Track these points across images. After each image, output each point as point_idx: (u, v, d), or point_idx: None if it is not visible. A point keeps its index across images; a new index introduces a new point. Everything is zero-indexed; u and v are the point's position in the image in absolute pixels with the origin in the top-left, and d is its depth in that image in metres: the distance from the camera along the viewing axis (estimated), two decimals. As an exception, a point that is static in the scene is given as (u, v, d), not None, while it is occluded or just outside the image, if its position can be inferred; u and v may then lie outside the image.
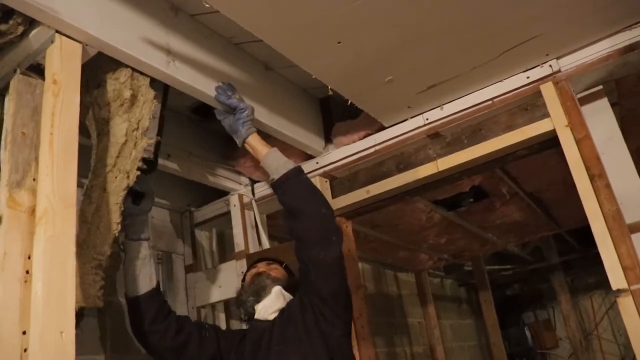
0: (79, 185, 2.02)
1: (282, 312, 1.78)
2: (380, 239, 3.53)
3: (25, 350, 1.24)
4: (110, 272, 1.82)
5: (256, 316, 1.82)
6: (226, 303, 2.59)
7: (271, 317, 1.79)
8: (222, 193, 2.56)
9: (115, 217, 1.66)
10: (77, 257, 1.68)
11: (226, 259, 2.61)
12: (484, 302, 4.63)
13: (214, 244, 2.68)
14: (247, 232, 2.44)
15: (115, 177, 1.65)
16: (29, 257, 1.31)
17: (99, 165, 1.63)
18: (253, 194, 2.47)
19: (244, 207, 2.47)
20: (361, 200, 2.24)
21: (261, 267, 1.92)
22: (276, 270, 1.91)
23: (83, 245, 1.61)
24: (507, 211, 3.52)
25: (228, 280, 2.43)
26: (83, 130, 1.53)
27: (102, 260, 1.66)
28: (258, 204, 2.48)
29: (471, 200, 3.16)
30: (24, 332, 1.28)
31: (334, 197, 2.30)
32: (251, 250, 2.40)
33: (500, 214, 3.58)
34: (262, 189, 2.46)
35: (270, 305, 1.80)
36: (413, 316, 4.50)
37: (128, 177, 1.67)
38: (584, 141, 1.78)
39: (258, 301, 1.82)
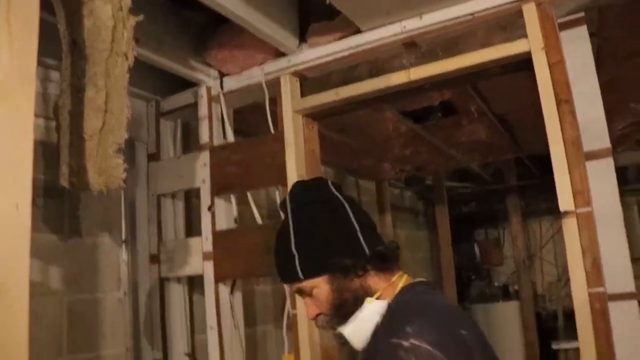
0: (43, 64, 1.97)
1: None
2: (346, 144, 3.55)
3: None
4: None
5: None
6: (187, 192, 2.61)
7: None
8: (190, 84, 2.50)
9: (126, 101, 1.71)
10: (98, 144, 1.71)
11: (190, 151, 2.60)
12: (439, 216, 4.77)
13: (178, 134, 2.65)
14: (213, 125, 2.42)
15: (116, 62, 1.66)
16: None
17: (94, 52, 1.63)
18: (222, 87, 2.42)
19: (211, 99, 2.43)
20: (330, 102, 2.21)
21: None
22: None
23: (102, 132, 1.67)
24: (473, 130, 3.55)
25: (190, 171, 2.43)
26: (47, 5, 1.46)
27: (121, 144, 1.76)
28: (226, 98, 2.44)
29: (439, 115, 3.18)
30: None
31: (303, 95, 2.27)
32: (215, 143, 2.40)
33: (466, 132, 3.62)
34: (231, 83, 2.41)
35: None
36: (369, 223, 4.62)
37: (127, 58, 1.68)
38: (557, 66, 1.78)
39: None
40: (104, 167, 1.64)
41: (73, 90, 1.81)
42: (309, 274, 1.22)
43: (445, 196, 4.84)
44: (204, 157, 2.39)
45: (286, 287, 1.41)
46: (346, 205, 1.27)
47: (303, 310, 2.06)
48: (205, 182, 2.37)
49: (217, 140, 2.42)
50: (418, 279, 1.28)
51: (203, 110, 2.42)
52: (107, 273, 2.32)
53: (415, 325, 1.06)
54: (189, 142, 2.68)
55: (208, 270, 2.31)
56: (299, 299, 2.10)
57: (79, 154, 1.68)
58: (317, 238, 1.24)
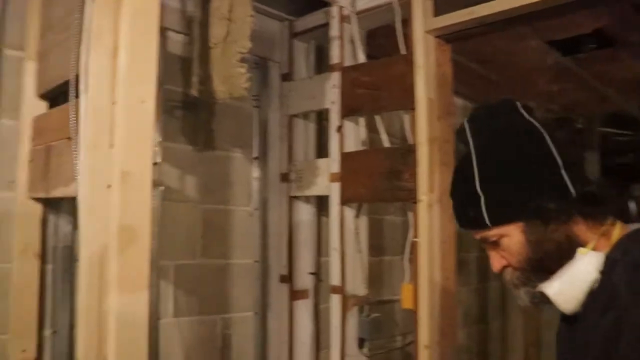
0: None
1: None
2: (484, 76, 3.35)
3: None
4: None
5: None
6: (319, 114, 2.62)
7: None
8: (324, 4, 2.47)
9: (249, 10, 1.76)
10: (222, 54, 1.78)
11: (323, 72, 2.59)
12: (588, 163, 4.40)
13: (311, 55, 2.65)
14: (344, 45, 2.38)
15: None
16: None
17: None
18: (354, 6, 2.37)
19: (343, 19, 2.38)
20: (464, 21, 2.06)
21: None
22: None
23: (226, 41, 1.73)
24: (634, 65, 3.19)
25: (320, 92, 2.43)
26: None
27: (244, 53, 1.81)
28: (359, 18, 2.38)
29: (593, 46, 2.86)
30: (114, 103, 1.36)
31: (435, 15, 2.15)
32: (346, 64, 2.36)
33: (625, 68, 3.25)
34: (363, 2, 2.35)
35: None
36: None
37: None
38: None
39: None
40: (228, 76, 1.68)
41: (204, 2, 1.87)
42: (499, 219, 0.99)
43: (597, 142, 4.43)
44: (334, 78, 2.36)
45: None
46: (545, 133, 1.01)
47: (426, 239, 2.02)
48: (335, 104, 2.35)
49: (348, 62, 2.38)
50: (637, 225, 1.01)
51: (334, 30, 2.38)
52: (239, 187, 2.43)
53: None
54: (322, 63, 2.66)
55: (334, 191, 2.32)
56: (424, 227, 2.05)
57: (206, 63, 1.73)
58: (510, 175, 0.99)
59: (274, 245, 2.51)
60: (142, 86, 1.32)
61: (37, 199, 1.85)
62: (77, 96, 1.48)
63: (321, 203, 2.58)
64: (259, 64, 2.55)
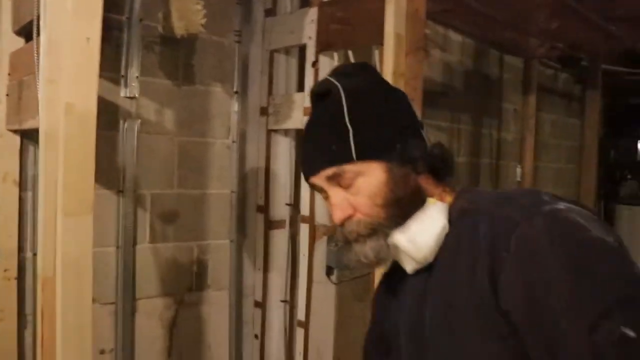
0: None
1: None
2: (484, 14, 3.29)
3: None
4: None
5: None
6: (301, 49, 2.64)
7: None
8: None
9: None
10: None
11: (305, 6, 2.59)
12: (589, 101, 4.35)
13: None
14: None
15: None
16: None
17: None
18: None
19: (323, -48, 2.37)
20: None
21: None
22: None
23: None
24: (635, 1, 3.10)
25: (299, 27, 2.45)
26: None
27: None
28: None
29: (587, -20, 2.80)
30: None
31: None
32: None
33: (627, 3, 3.17)
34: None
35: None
36: (510, 102, 4.36)
37: None
38: None
39: None
40: (183, 12, 1.72)
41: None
42: (365, 154, 0.94)
43: (600, 81, 4.35)
44: (312, 13, 2.38)
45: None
46: (403, 93, 1.05)
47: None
48: (312, 39, 2.38)
49: (329, -4, 2.39)
50: None
51: (315, -36, 2.38)
52: (218, 121, 2.50)
53: (529, 202, 0.86)
54: (304, -2, 2.67)
55: (309, 125, 2.38)
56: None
57: (166, 1, 1.78)
58: (380, 116, 0.97)
59: (252, 177, 2.61)
60: (88, 25, 1.38)
61: (15, 131, 1.97)
62: (38, 34, 1.56)
63: (299, 136, 2.65)
64: (242, 0, 2.57)
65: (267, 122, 2.59)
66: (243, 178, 2.59)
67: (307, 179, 1.00)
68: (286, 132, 2.62)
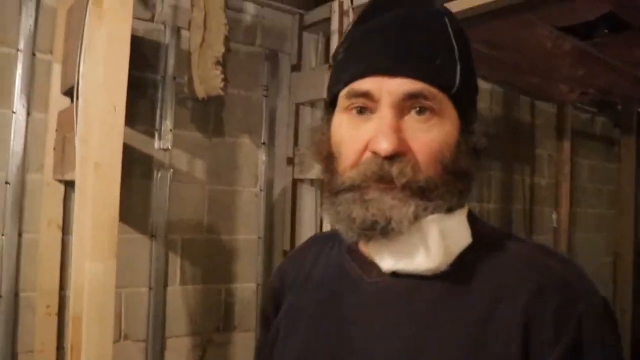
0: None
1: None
2: (504, 61, 3.38)
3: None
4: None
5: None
6: (326, 102, 2.79)
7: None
8: (333, -2, 2.64)
9: (222, 19, 1.96)
10: (199, 57, 2.04)
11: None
12: (624, 147, 4.31)
13: (320, 46, 2.83)
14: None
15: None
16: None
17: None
18: (352, 1, 2.52)
19: (342, 14, 2.54)
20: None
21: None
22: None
23: (202, 47, 1.97)
24: (659, 48, 3.13)
25: (323, 81, 2.60)
26: None
27: (219, 57, 2.05)
28: (355, 12, 2.52)
29: (605, 31, 2.86)
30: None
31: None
32: (343, 56, 2.52)
33: (650, 51, 3.20)
34: (361, -2, 2.50)
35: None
36: (543, 148, 4.38)
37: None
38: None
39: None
40: (204, 77, 1.90)
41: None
42: (466, 89, 0.74)
43: (635, 124, 4.32)
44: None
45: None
46: None
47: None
48: (332, 93, 2.52)
49: (347, 54, 2.53)
50: None
51: (334, 24, 2.54)
52: (246, 170, 2.66)
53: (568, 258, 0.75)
54: (328, 54, 2.83)
55: (332, 175, 2.50)
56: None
57: (189, 67, 1.98)
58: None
59: (278, 223, 2.74)
60: (115, 95, 1.57)
61: (59, 180, 2.17)
62: (77, 98, 1.76)
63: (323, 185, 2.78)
64: (270, 56, 2.76)
65: (293, 172, 2.73)
66: (270, 224, 2.73)
67: (368, 74, 0.71)
68: (311, 181, 2.75)
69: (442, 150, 0.69)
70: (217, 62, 1.95)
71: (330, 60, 2.67)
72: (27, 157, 2.15)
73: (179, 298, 2.43)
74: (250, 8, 2.68)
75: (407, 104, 0.69)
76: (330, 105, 0.79)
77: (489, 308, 0.67)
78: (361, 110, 0.72)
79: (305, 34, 2.81)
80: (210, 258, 2.53)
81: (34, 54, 2.20)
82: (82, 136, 1.65)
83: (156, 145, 2.37)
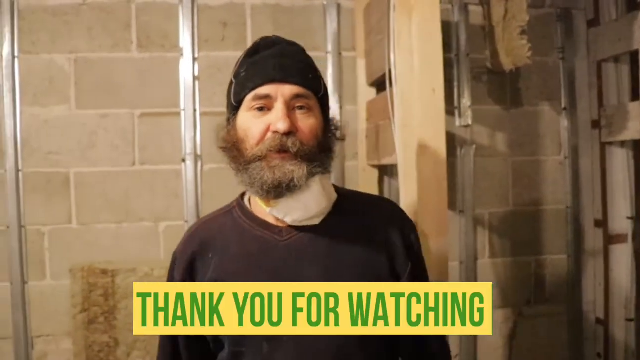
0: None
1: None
2: None
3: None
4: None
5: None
6: (633, 55, 2.53)
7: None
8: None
9: None
10: (503, 30, 2.04)
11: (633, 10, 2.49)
12: None
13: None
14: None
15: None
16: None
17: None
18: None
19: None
20: None
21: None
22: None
23: (505, 19, 1.99)
24: None
25: (629, 33, 2.36)
26: None
27: (524, 26, 2.05)
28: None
29: None
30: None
31: None
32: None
33: None
34: None
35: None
36: None
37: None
38: None
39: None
40: (511, 49, 1.86)
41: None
42: (325, 98, 1.13)
43: None
44: (644, 17, 2.28)
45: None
46: None
47: None
48: (645, 44, 2.27)
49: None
50: None
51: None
52: (549, 138, 2.57)
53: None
54: (632, 1, 2.55)
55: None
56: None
57: (492, 40, 1.95)
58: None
59: (587, 191, 2.59)
60: (432, 79, 1.64)
61: (373, 166, 2.36)
62: (390, 86, 1.88)
63: (637, 147, 2.53)
64: (562, 16, 2.59)
65: (600, 135, 2.55)
66: (578, 193, 2.59)
67: (267, 83, 1.04)
68: (622, 143, 2.53)
69: (317, 132, 1.06)
70: (523, 32, 1.91)
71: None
72: (344, 147, 2.37)
73: (490, 271, 2.47)
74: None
75: (293, 102, 1.04)
76: (234, 109, 1.09)
77: (366, 235, 1.10)
78: (261, 109, 1.04)
79: (601, -15, 2.57)
80: (517, 230, 2.51)
81: (340, 54, 2.42)
82: (403, 121, 1.75)
83: (457, 122, 2.42)
